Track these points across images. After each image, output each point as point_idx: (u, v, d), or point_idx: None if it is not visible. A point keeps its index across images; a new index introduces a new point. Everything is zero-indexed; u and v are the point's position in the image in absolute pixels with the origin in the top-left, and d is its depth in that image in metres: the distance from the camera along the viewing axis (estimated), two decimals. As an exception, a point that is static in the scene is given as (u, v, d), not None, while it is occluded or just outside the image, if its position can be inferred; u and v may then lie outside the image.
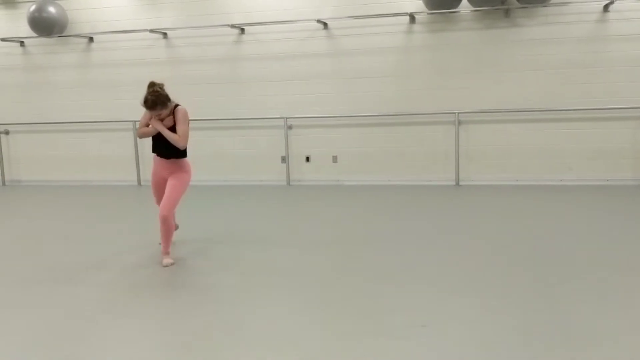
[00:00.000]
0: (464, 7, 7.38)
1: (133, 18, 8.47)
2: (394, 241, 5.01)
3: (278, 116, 8.21)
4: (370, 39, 7.86)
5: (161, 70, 8.27)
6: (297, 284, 3.99)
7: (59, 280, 4.24)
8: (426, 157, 7.94)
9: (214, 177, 8.46)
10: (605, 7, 7.21)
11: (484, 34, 7.58)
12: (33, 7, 8.35)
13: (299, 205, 7.11)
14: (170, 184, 4.55)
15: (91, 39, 8.72)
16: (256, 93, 8.28)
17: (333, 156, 8.23)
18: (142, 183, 8.71)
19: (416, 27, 7.76)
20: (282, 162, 8.36)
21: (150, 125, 4.53)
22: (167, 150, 4.54)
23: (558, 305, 3.42)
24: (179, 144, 4.48)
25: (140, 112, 4.58)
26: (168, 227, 4.50)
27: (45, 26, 8.39)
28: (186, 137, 4.49)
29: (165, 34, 8.43)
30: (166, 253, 4.56)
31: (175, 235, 5.14)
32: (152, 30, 8.25)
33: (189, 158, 4.72)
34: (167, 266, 4.46)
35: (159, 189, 4.72)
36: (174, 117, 4.48)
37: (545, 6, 7.28)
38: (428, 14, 7.60)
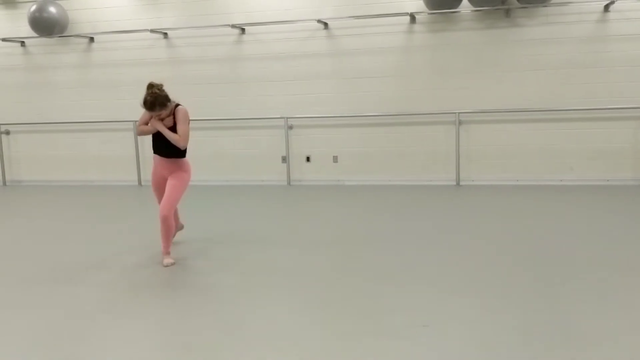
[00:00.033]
0: (465, 7, 7.37)
1: (134, 18, 8.47)
2: (394, 241, 5.01)
3: (278, 116, 8.21)
4: (371, 39, 7.86)
5: (162, 71, 8.27)
6: (297, 284, 3.99)
7: (59, 280, 4.24)
8: (427, 157, 7.94)
9: (215, 177, 8.46)
10: (606, 7, 7.20)
11: (485, 34, 7.58)
12: (34, 7, 8.35)
13: (299, 205, 7.11)
14: (170, 183, 4.55)
15: (92, 39, 8.73)
16: (257, 93, 8.28)
17: (333, 156, 8.23)
18: (142, 183, 8.72)
19: (417, 27, 7.76)
20: (282, 162, 8.36)
21: (149, 124, 4.53)
22: (167, 150, 4.55)
23: (558, 305, 3.42)
24: (180, 144, 4.48)
25: (140, 112, 4.58)
26: (168, 226, 4.50)
27: (46, 26, 8.40)
28: (186, 136, 4.49)
29: (165, 34, 8.44)
30: (167, 253, 4.56)
31: (178, 235, 5.15)
32: (152, 30, 8.26)
33: (190, 158, 4.73)
34: (167, 266, 4.46)
35: (160, 189, 4.73)
36: (174, 117, 4.48)
37: (546, 6, 7.27)
38: (428, 14, 7.59)
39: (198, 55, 8.39)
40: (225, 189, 8.07)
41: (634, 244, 4.65)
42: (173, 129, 4.48)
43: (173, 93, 4.49)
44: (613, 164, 7.43)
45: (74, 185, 8.95)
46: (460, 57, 7.66)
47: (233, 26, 8.03)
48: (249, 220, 6.10)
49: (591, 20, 7.28)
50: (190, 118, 4.56)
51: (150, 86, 4.35)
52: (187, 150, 4.63)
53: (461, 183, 7.83)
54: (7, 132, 9.29)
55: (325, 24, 7.96)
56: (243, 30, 8.21)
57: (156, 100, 4.31)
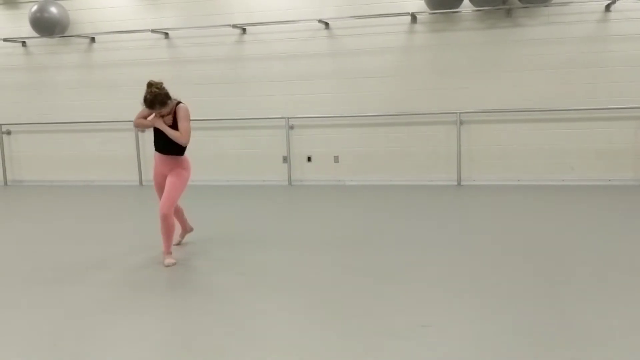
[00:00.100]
0: (466, 7, 7.37)
1: (135, 18, 8.48)
2: (395, 241, 5.01)
3: (279, 116, 8.21)
4: (372, 39, 7.85)
5: (163, 71, 8.27)
6: (297, 284, 3.99)
7: (59, 280, 4.24)
8: (428, 157, 7.93)
9: (216, 177, 8.47)
10: (607, 7, 7.19)
11: (486, 33, 7.57)
12: (35, 8, 8.36)
13: (300, 205, 7.11)
14: (169, 181, 4.55)
15: (93, 39, 8.73)
16: (258, 93, 8.28)
17: (335, 156, 8.23)
18: (143, 183, 8.72)
19: (418, 27, 7.75)
20: (283, 162, 8.36)
21: (150, 121, 4.54)
22: (167, 147, 4.55)
23: (559, 305, 3.41)
24: (181, 141, 4.48)
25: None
26: (168, 225, 4.50)
27: (47, 26, 8.41)
28: (188, 133, 4.49)
29: (166, 34, 8.44)
30: (168, 253, 4.55)
31: (187, 237, 5.15)
32: (153, 31, 8.26)
33: (191, 158, 4.73)
34: (169, 266, 4.45)
35: (161, 187, 4.71)
36: (175, 115, 4.48)
37: (547, 6, 7.27)
38: (430, 13, 7.59)
39: (199, 55, 8.40)
40: (226, 189, 8.08)
41: (635, 244, 4.65)
42: (173, 127, 4.48)
43: (174, 93, 4.50)
44: (614, 164, 7.42)
45: (75, 185, 8.96)
46: (461, 57, 7.66)
47: (234, 26, 8.03)
48: (249, 221, 6.10)
49: (592, 20, 7.27)
50: (191, 117, 4.56)
51: (150, 85, 4.36)
52: (188, 149, 4.63)
53: (462, 183, 7.82)
54: (9, 132, 9.30)
55: (327, 24, 7.95)
56: (244, 30, 8.21)
57: (155, 98, 4.32)
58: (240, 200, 7.33)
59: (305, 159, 8.33)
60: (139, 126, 4.66)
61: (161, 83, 4.38)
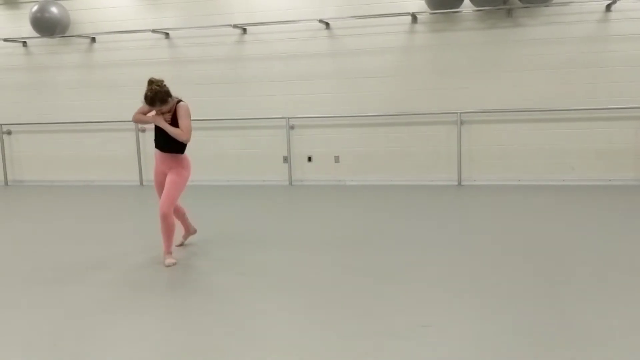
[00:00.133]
0: (466, 7, 7.37)
1: (135, 18, 8.48)
2: (395, 241, 5.01)
3: (280, 116, 8.21)
4: (373, 39, 7.85)
5: (163, 71, 8.24)
6: (298, 284, 3.98)
7: (59, 280, 4.24)
8: (428, 157, 7.93)
9: (216, 177, 8.47)
10: (608, 7, 7.19)
11: (486, 33, 7.57)
12: (35, 8, 8.37)
13: (300, 205, 7.11)
14: (169, 180, 4.54)
15: (93, 39, 8.74)
16: (258, 93, 8.28)
17: (335, 156, 8.23)
18: (144, 183, 8.73)
19: (418, 27, 7.75)
20: (284, 162, 8.36)
21: (151, 119, 4.54)
22: (167, 144, 4.55)
23: (559, 305, 3.41)
24: (182, 138, 4.47)
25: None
26: (168, 224, 4.49)
27: (48, 26, 8.41)
28: (189, 130, 4.49)
29: (167, 34, 8.44)
30: (168, 253, 4.55)
31: (190, 239, 5.15)
32: (154, 31, 8.26)
33: (191, 158, 4.72)
34: (169, 266, 4.45)
35: (161, 186, 4.70)
36: (175, 113, 4.48)
37: (548, 6, 7.27)
38: (430, 13, 7.59)
39: (199, 55, 8.40)
40: (226, 189, 8.08)
41: (635, 244, 4.64)
42: (172, 125, 4.47)
43: (175, 93, 4.50)
44: (614, 164, 7.42)
45: (76, 185, 8.97)
46: (461, 57, 7.66)
47: (235, 26, 8.03)
48: (250, 221, 6.10)
49: (592, 20, 7.27)
50: (192, 116, 4.57)
51: (151, 82, 4.37)
52: (188, 149, 4.63)
53: (463, 183, 7.82)
54: (9, 132, 9.30)
55: (327, 24, 7.95)
56: (244, 30, 8.21)
57: (156, 96, 4.32)
58: (241, 200, 7.33)
59: (306, 159, 8.33)
60: (138, 121, 4.67)
61: (162, 81, 4.38)
